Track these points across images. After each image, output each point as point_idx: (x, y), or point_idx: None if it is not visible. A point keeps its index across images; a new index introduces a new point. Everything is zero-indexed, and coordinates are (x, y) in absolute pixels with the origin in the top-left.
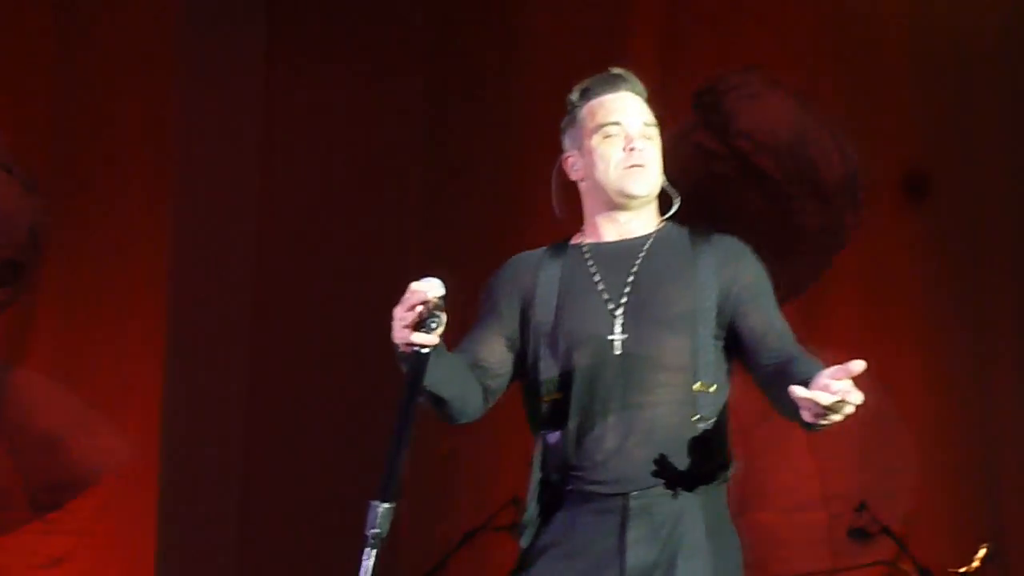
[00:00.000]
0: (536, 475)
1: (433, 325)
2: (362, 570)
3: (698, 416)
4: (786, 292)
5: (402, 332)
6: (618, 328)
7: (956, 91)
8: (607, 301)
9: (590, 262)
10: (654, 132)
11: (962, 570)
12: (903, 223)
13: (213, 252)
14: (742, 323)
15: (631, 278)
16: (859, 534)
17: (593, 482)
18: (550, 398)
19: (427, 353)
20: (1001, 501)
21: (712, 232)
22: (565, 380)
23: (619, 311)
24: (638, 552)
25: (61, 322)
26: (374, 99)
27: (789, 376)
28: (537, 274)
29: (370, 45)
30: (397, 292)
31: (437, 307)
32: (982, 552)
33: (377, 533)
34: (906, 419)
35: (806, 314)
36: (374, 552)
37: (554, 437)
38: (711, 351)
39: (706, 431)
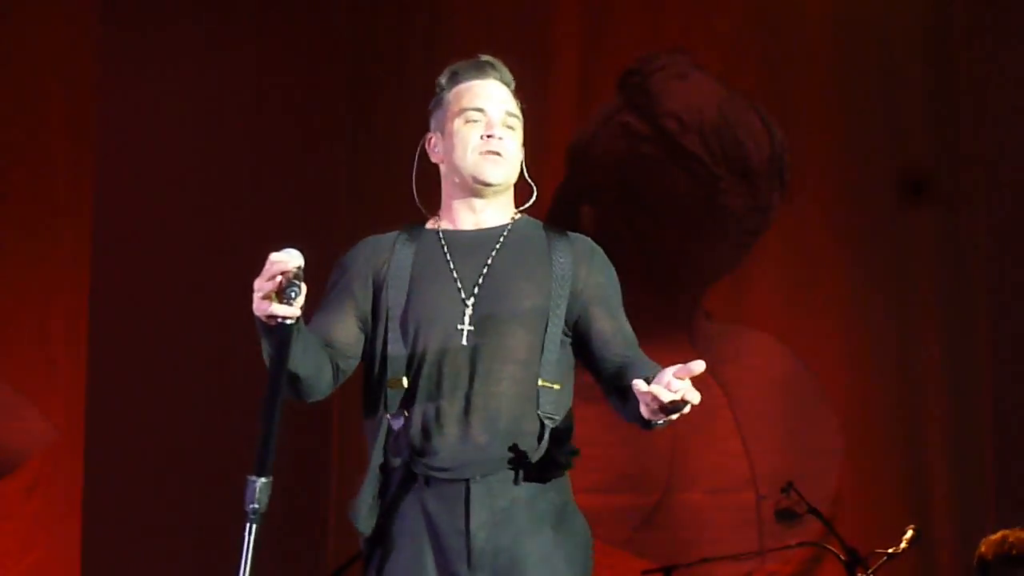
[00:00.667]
0: (376, 458)
1: (293, 295)
2: (244, 545)
3: (542, 412)
4: (712, 272)
5: (262, 304)
6: (467, 319)
7: (879, 70)
8: (459, 290)
9: (445, 248)
10: (516, 123)
11: (889, 551)
12: (826, 204)
13: (135, 233)
14: (591, 324)
15: (485, 269)
16: (786, 515)
17: (437, 468)
18: (396, 381)
19: (291, 325)
20: (926, 481)
21: (566, 231)
22: (412, 364)
23: (470, 301)
24: (481, 536)
25: None
26: (301, 87)
27: (631, 374)
28: (391, 256)
29: (295, 34)
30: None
31: (297, 277)
32: (909, 534)
33: (256, 508)
34: (830, 400)
35: (731, 294)
36: (254, 527)
37: (398, 422)
38: (557, 348)
39: (549, 423)
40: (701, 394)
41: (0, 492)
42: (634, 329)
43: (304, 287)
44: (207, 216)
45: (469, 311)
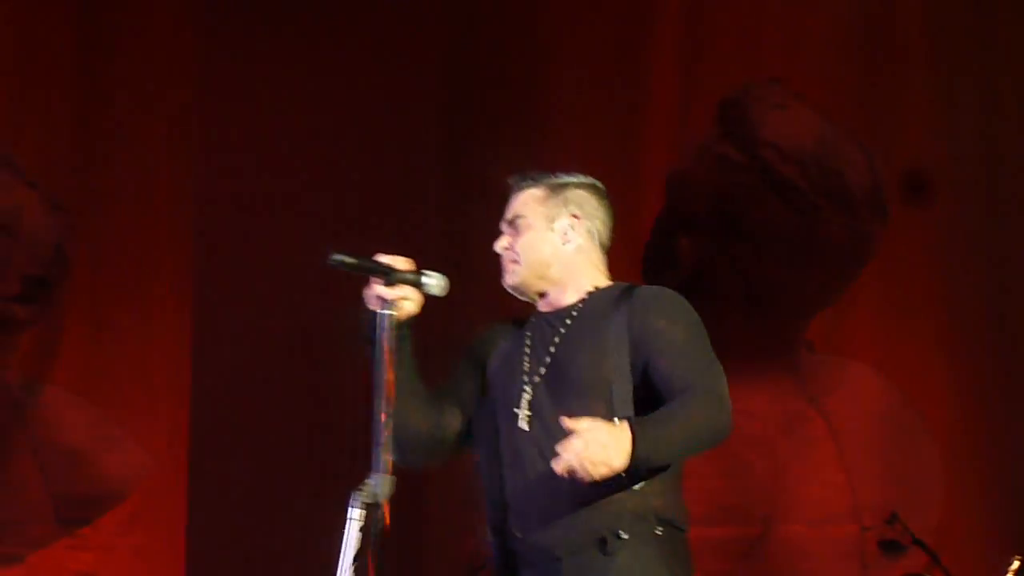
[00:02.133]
0: (488, 528)
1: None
2: (346, 537)
3: (624, 475)
4: (813, 303)
5: (369, 292)
6: (524, 403)
7: (978, 97)
8: (524, 375)
9: (528, 333)
10: (521, 220)
11: None
12: (929, 233)
13: (239, 266)
14: (654, 375)
15: (552, 348)
16: (890, 546)
17: (528, 545)
18: (481, 461)
19: (387, 313)
20: None
21: (636, 286)
22: (491, 447)
23: (528, 387)
24: None
25: (87, 338)
26: (397, 102)
27: None
28: (498, 343)
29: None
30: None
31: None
32: (1015, 564)
33: (373, 503)
34: (933, 431)
35: (833, 325)
36: (360, 515)
37: (490, 495)
38: (630, 408)
39: (633, 487)
40: (804, 425)
41: (102, 525)
42: (734, 359)
43: (409, 284)
44: (306, 238)
45: (528, 395)
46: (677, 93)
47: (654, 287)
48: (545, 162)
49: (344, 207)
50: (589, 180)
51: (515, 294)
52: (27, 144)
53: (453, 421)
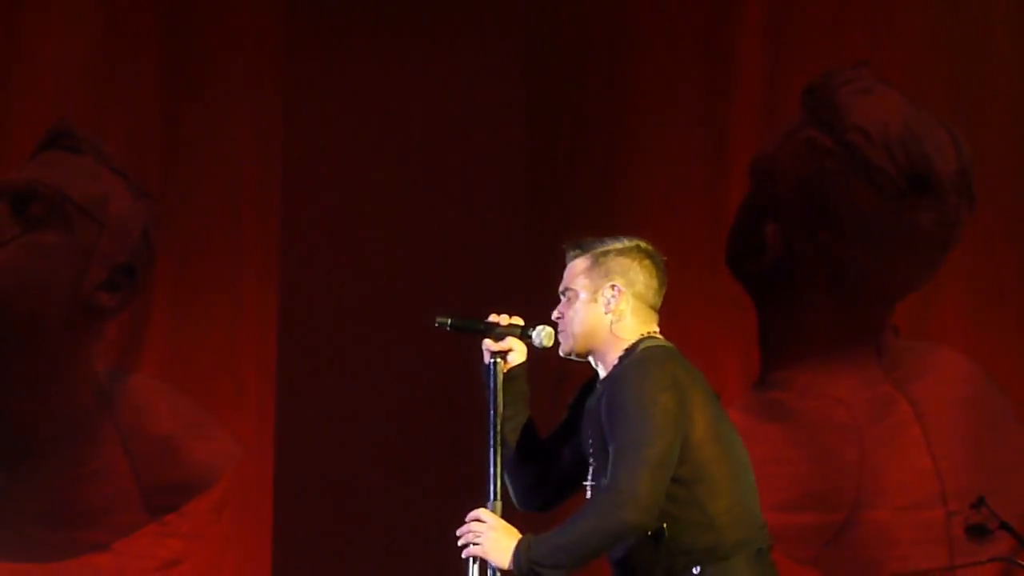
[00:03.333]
0: None
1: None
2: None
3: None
4: (900, 288)
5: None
6: (589, 475)
7: None
8: (589, 446)
9: (591, 398)
10: (571, 292)
11: None
12: (1016, 218)
13: (325, 254)
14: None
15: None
16: (978, 531)
17: None
18: None
19: (493, 362)
20: None
21: (621, 369)
22: None
23: (591, 459)
24: None
25: (174, 326)
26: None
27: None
28: (582, 402)
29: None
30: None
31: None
32: None
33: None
34: (1021, 416)
35: (919, 310)
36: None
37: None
38: None
39: (656, 544)
40: (890, 410)
41: (190, 511)
42: (820, 346)
43: (512, 338)
44: (390, 230)
45: (592, 466)
46: (763, 77)
47: (628, 365)
48: (632, 157)
49: (430, 193)
50: (632, 243)
51: (571, 358)
52: (115, 132)
53: (560, 467)
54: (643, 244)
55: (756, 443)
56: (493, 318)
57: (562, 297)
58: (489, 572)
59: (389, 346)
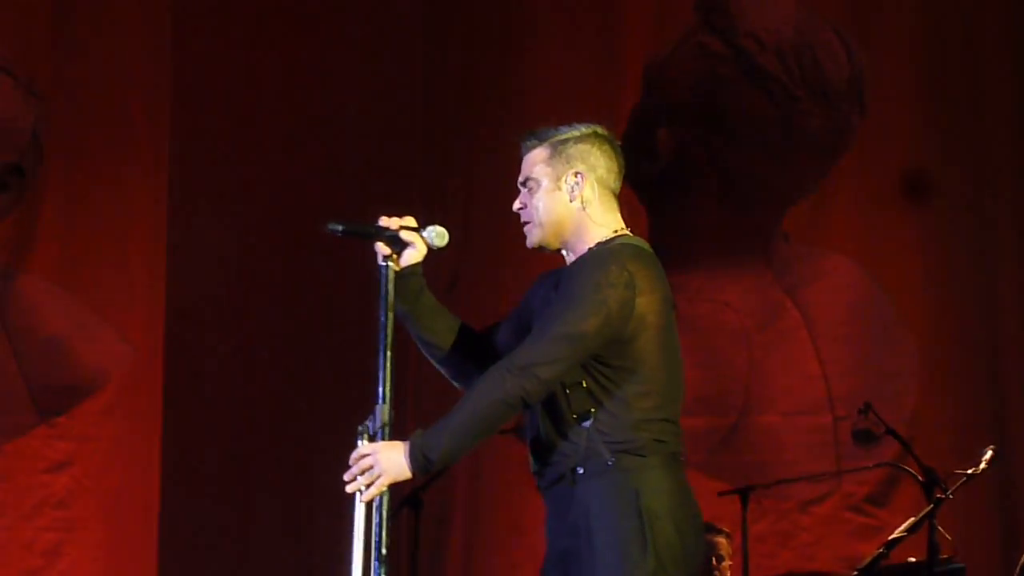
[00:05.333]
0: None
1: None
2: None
3: (574, 415)
4: (790, 194)
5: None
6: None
7: None
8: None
9: (554, 283)
10: (533, 183)
11: (968, 471)
12: (905, 126)
13: (215, 154)
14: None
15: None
16: (864, 436)
17: (534, 476)
18: None
19: (385, 265)
20: (1004, 399)
21: (585, 255)
22: None
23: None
24: (555, 540)
25: (64, 227)
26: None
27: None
28: (538, 293)
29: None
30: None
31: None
32: (988, 454)
33: (380, 427)
34: (908, 322)
35: (810, 216)
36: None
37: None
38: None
39: (582, 425)
40: (780, 316)
41: (79, 414)
42: (710, 251)
43: (409, 240)
44: (285, 132)
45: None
46: None
47: (591, 252)
48: (525, 65)
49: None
50: (589, 130)
51: (542, 251)
52: (2, 30)
53: (498, 352)
54: (600, 130)
55: None
56: (384, 221)
57: (522, 188)
58: (375, 506)
59: (283, 248)
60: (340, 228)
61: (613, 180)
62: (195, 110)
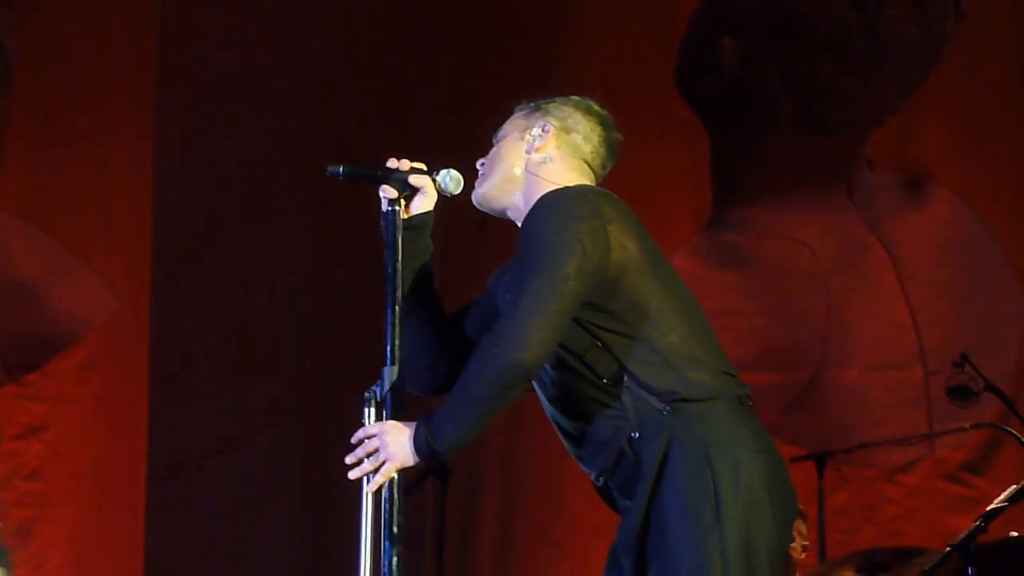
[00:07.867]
0: None
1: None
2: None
3: (604, 380)
4: (874, 114)
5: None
6: None
7: None
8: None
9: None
10: (500, 136)
11: None
12: (1007, 35)
13: (202, 80)
14: None
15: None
16: (960, 393)
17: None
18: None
19: (392, 210)
20: None
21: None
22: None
23: None
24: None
25: (34, 157)
26: None
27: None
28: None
29: None
30: None
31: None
32: None
33: (388, 391)
34: (1011, 261)
35: (897, 139)
36: (370, 410)
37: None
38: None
39: (610, 390)
40: (862, 255)
41: (57, 370)
42: (785, 178)
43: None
44: (280, 66)
45: None
46: None
47: (537, 201)
48: None
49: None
50: (584, 100)
51: (485, 211)
52: None
53: (463, 347)
54: (597, 106)
55: (706, 293)
56: (392, 163)
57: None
58: (384, 491)
59: (273, 189)
60: (341, 170)
61: (590, 154)
62: (187, 16)
